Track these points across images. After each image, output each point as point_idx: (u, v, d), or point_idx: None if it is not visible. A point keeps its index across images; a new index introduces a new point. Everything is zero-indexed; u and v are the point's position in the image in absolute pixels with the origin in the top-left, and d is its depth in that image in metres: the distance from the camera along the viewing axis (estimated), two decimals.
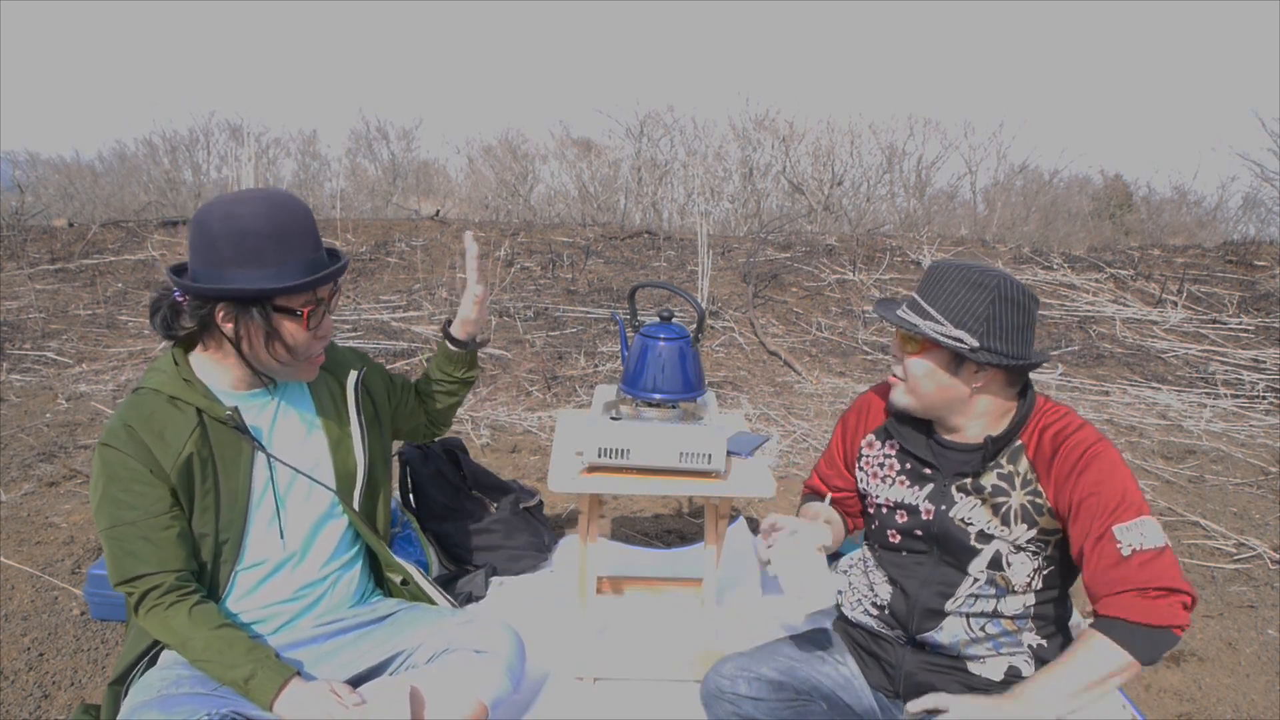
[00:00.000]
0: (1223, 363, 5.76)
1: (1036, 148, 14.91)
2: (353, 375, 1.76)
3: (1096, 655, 1.36)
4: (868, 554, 1.73)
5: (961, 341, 1.45)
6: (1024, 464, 1.51)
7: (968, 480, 1.54)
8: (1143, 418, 4.81)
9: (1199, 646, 2.53)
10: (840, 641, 1.73)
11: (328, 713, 1.41)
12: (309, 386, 1.70)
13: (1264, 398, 5.21)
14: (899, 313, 1.53)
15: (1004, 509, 1.51)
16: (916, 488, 1.60)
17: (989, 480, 1.52)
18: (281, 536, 1.60)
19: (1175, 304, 6.66)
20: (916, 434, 1.61)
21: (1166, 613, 1.34)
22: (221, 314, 1.48)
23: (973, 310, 1.46)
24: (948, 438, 1.58)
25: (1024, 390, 1.55)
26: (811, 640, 1.73)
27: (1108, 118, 18.40)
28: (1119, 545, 1.37)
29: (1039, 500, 1.49)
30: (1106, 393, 5.24)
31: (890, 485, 1.63)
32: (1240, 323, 6.37)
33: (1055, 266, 7.28)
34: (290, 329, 1.52)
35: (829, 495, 1.76)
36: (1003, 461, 1.52)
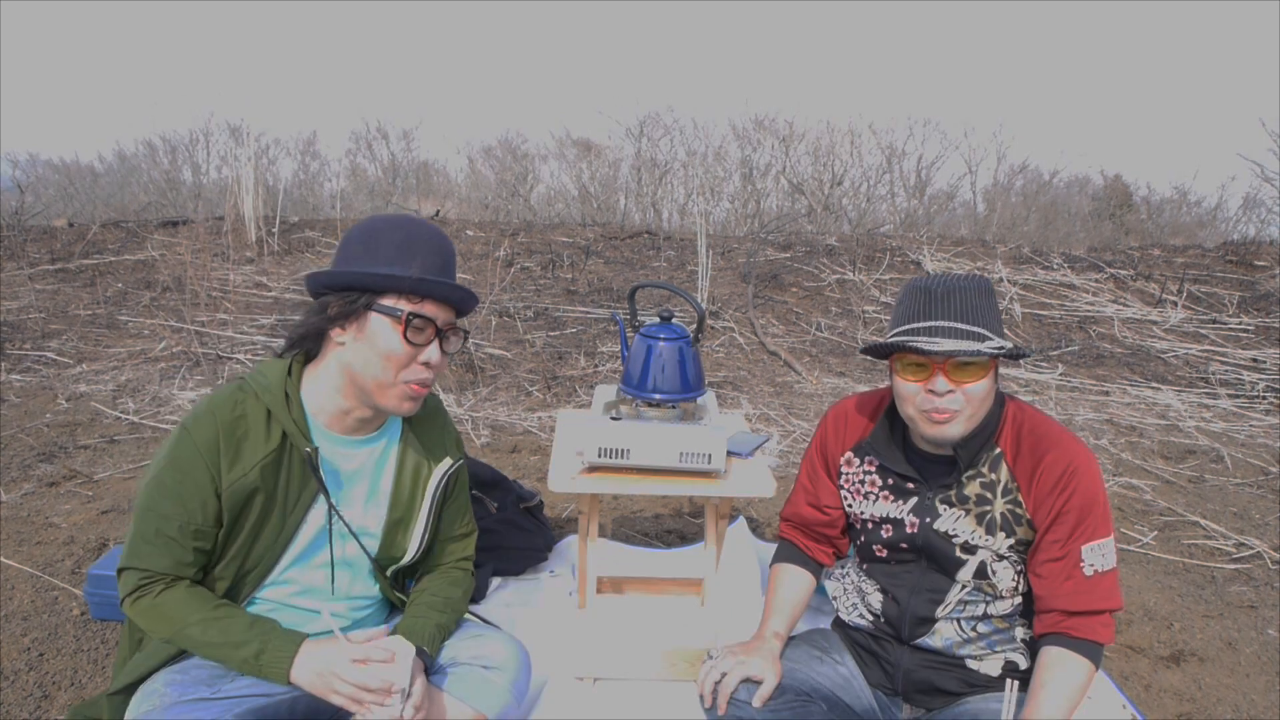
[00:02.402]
0: (1223, 363, 5.76)
1: (1036, 148, 14.94)
2: (445, 463, 1.66)
3: (1082, 678, 1.43)
4: (858, 566, 1.74)
5: (1006, 349, 1.44)
6: (1004, 472, 1.51)
7: (951, 491, 1.54)
8: (1143, 418, 4.81)
9: (1199, 646, 2.53)
10: (839, 641, 1.73)
11: (339, 655, 1.39)
12: (398, 457, 1.61)
13: (1264, 398, 5.21)
14: (956, 344, 1.42)
15: (987, 518, 1.51)
16: (900, 502, 1.60)
17: (972, 490, 1.53)
18: (304, 577, 1.55)
19: (1175, 304, 6.66)
20: (894, 449, 1.61)
21: (1112, 631, 1.47)
22: (334, 307, 1.43)
23: (994, 314, 1.47)
24: (927, 449, 1.58)
25: None
26: (811, 640, 1.73)
27: (1108, 118, 18.43)
28: (1083, 565, 1.44)
29: (1019, 510, 1.50)
30: (1106, 393, 5.24)
31: (874, 501, 1.64)
32: (1240, 323, 6.37)
33: (1055, 267, 7.28)
34: (387, 333, 1.43)
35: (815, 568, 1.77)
36: (984, 469, 1.52)
